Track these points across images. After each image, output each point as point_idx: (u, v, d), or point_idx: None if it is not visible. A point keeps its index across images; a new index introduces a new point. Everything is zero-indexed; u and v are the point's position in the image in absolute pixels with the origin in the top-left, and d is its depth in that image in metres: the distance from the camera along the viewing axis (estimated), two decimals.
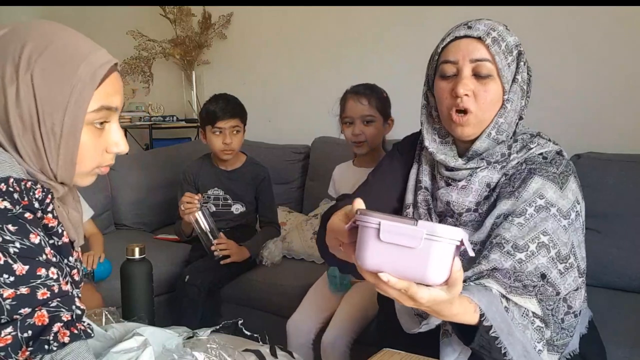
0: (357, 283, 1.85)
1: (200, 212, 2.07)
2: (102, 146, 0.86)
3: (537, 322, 1.02)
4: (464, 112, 1.09)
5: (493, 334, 0.95)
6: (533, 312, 1.02)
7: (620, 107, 2.20)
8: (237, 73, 3.28)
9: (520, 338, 0.99)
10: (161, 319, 1.30)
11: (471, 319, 0.94)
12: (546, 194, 1.08)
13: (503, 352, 0.98)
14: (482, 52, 1.08)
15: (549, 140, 1.18)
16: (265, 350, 1.06)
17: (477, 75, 1.09)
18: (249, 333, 1.12)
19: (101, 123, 0.85)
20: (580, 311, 1.09)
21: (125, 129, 3.52)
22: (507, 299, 1.00)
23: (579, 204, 1.10)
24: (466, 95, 1.08)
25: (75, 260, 0.87)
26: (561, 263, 1.05)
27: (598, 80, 2.23)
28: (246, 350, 1.03)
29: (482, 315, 0.94)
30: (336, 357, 1.69)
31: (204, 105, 2.28)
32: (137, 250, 1.28)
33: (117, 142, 0.87)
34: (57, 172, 0.83)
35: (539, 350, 1.01)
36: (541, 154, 1.14)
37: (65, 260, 0.83)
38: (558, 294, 1.04)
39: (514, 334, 0.98)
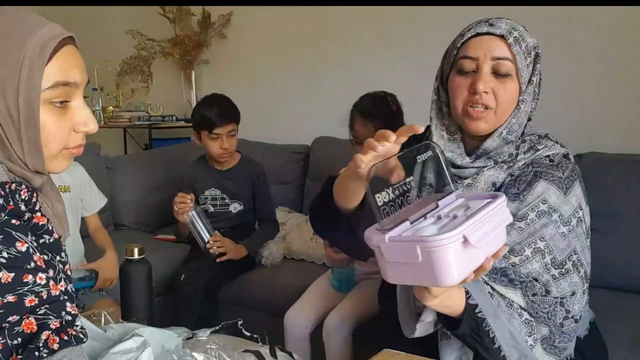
0: (365, 282, 1.85)
1: (194, 212, 2.07)
2: (67, 126, 0.80)
3: (525, 315, 1.02)
4: (484, 108, 1.09)
5: (479, 314, 0.96)
6: (518, 305, 1.02)
7: (622, 107, 2.20)
8: (237, 73, 3.28)
9: (507, 324, 0.99)
10: (160, 319, 1.30)
11: (460, 300, 0.96)
12: (549, 198, 1.07)
13: (491, 336, 0.98)
14: (503, 50, 1.08)
15: (557, 142, 1.17)
16: (265, 351, 1.05)
17: (496, 74, 1.09)
18: (248, 334, 1.11)
19: (62, 102, 0.79)
20: (581, 316, 1.09)
21: (125, 129, 3.52)
22: (492, 287, 1.01)
23: (581, 209, 1.10)
24: (485, 92, 1.08)
25: (65, 254, 0.86)
26: (556, 269, 1.05)
27: (600, 80, 2.23)
28: (246, 351, 1.02)
29: (467, 293, 0.96)
30: (338, 342, 1.70)
31: (197, 109, 2.25)
32: (136, 250, 1.27)
33: (84, 121, 0.81)
34: (26, 159, 0.79)
35: (530, 345, 1.01)
36: (548, 156, 1.13)
37: (58, 257, 0.81)
38: (548, 292, 1.04)
39: (500, 318, 0.99)
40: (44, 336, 0.70)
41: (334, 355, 1.71)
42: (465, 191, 1.14)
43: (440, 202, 0.91)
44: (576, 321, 1.07)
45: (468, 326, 0.97)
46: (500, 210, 0.88)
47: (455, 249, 0.79)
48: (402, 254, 0.82)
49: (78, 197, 2.02)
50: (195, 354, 0.91)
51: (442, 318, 1.01)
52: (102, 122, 3.43)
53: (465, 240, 0.79)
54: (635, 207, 1.86)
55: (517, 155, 1.13)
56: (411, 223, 0.86)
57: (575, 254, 1.07)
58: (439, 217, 0.89)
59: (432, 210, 0.90)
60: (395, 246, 0.82)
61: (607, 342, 1.28)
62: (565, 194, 1.09)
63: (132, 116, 3.39)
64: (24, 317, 0.71)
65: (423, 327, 1.06)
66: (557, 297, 1.05)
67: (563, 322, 1.05)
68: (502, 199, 0.90)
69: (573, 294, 1.06)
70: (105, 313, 1.02)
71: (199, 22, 3.28)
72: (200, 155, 2.38)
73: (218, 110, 2.17)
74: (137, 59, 3.33)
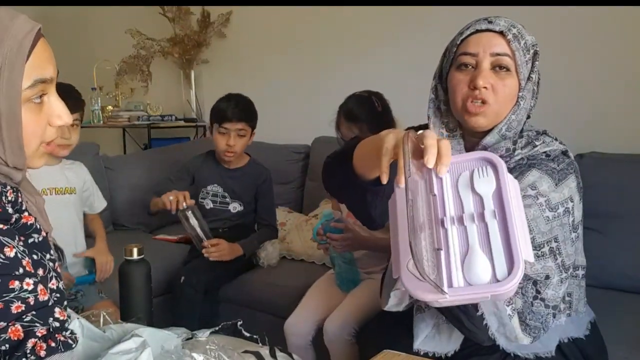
0: (364, 281, 1.85)
1: (190, 212, 2.05)
2: (43, 121, 0.80)
3: None
4: (482, 103, 1.09)
5: None
6: None
7: (623, 107, 2.20)
8: (236, 72, 3.28)
9: None
10: (160, 319, 1.29)
11: None
12: (540, 186, 1.07)
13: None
14: (503, 46, 1.09)
15: (555, 139, 1.17)
16: (264, 351, 1.05)
17: (495, 69, 1.09)
18: (248, 334, 1.11)
19: (40, 96, 0.78)
20: (557, 307, 1.08)
21: (124, 129, 3.52)
22: None
23: (572, 202, 1.09)
24: (485, 87, 1.09)
25: (54, 250, 0.84)
26: (533, 250, 1.04)
27: (601, 80, 2.23)
28: (245, 351, 1.02)
29: None
30: (340, 346, 1.69)
31: (216, 102, 2.26)
32: (135, 250, 1.27)
33: (59, 114, 0.80)
34: (7, 158, 0.78)
35: (509, 315, 1.02)
36: (545, 152, 1.13)
37: (48, 255, 0.81)
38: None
39: None
40: (30, 344, 0.70)
41: (338, 358, 1.71)
42: None
43: (435, 191, 0.82)
44: (547, 307, 1.06)
45: None
46: (514, 188, 0.83)
47: None
48: (467, 301, 0.78)
49: (81, 199, 2.03)
50: (194, 354, 0.90)
51: None
52: (101, 122, 3.43)
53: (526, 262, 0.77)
54: (635, 207, 1.86)
55: (514, 150, 1.13)
56: (440, 249, 0.78)
57: (555, 241, 1.07)
58: (461, 222, 0.80)
59: (437, 206, 0.82)
60: (460, 299, 0.77)
61: (608, 342, 1.28)
62: (556, 184, 1.08)
63: (131, 116, 3.39)
64: (9, 324, 0.70)
65: (397, 297, 1.05)
66: (530, 276, 1.04)
67: (532, 301, 1.05)
68: (506, 173, 0.82)
69: (547, 277, 1.05)
70: (104, 313, 1.02)
71: (198, 21, 3.27)
72: (209, 150, 2.38)
73: (233, 106, 2.18)
74: (136, 59, 3.32)
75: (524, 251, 0.76)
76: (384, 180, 0.86)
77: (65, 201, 1.94)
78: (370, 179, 1.00)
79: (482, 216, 0.79)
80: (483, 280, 0.75)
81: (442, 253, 0.77)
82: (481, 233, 0.78)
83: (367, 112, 1.81)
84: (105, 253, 1.98)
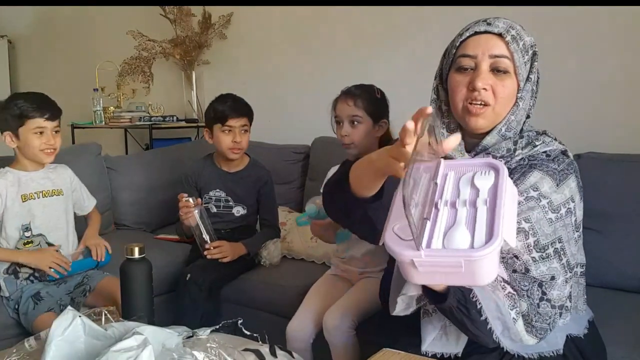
0: (362, 279, 1.85)
1: (196, 212, 2.08)
2: None
3: (508, 289, 1.03)
4: (481, 104, 1.10)
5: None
6: (502, 278, 1.03)
7: (621, 107, 2.20)
8: (237, 73, 3.28)
9: (492, 295, 1.00)
10: (161, 318, 1.30)
11: None
12: (541, 187, 1.08)
13: (479, 307, 0.98)
14: (501, 48, 1.10)
15: (555, 139, 1.18)
16: (264, 349, 1.06)
17: (494, 71, 1.10)
18: (248, 333, 1.12)
19: None
20: (563, 306, 1.09)
21: (125, 129, 3.53)
22: None
23: (573, 202, 1.10)
24: (484, 89, 1.10)
25: None
26: (537, 252, 1.06)
27: (599, 79, 2.23)
28: (246, 349, 1.03)
29: None
30: (341, 338, 1.69)
31: (211, 105, 2.28)
32: (136, 249, 1.28)
33: None
34: None
35: (514, 318, 1.02)
36: (545, 152, 1.14)
37: None
38: (528, 270, 1.05)
39: (485, 289, 0.99)
40: None
41: (338, 352, 1.71)
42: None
43: (438, 180, 0.87)
44: (553, 307, 1.07)
45: (455, 298, 0.97)
46: (512, 189, 0.88)
47: (498, 253, 0.79)
48: (442, 266, 0.79)
49: (69, 199, 2.06)
50: (195, 352, 0.91)
51: (428, 293, 1.01)
52: (103, 122, 3.45)
53: (506, 243, 0.79)
54: (633, 207, 1.86)
55: (514, 150, 1.14)
56: (428, 218, 0.81)
57: (559, 242, 1.07)
58: (453, 206, 0.85)
59: (436, 192, 0.86)
60: (434, 260, 0.78)
61: (606, 341, 1.29)
62: (558, 185, 1.09)
63: (132, 116, 3.40)
64: None
65: (404, 302, 1.06)
66: (536, 278, 1.05)
67: (539, 302, 1.06)
68: (506, 175, 0.87)
69: (552, 278, 1.06)
70: (106, 312, 1.03)
71: (199, 22, 3.28)
72: (207, 154, 2.38)
73: (232, 104, 2.23)
74: (137, 60, 3.33)
75: (506, 232, 0.79)
76: (408, 164, 0.82)
77: (54, 202, 1.99)
78: (368, 197, 1.04)
79: (474, 203, 0.84)
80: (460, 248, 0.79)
81: (429, 223, 0.81)
82: (469, 215, 0.84)
83: (365, 91, 1.83)
84: (94, 237, 2.07)
